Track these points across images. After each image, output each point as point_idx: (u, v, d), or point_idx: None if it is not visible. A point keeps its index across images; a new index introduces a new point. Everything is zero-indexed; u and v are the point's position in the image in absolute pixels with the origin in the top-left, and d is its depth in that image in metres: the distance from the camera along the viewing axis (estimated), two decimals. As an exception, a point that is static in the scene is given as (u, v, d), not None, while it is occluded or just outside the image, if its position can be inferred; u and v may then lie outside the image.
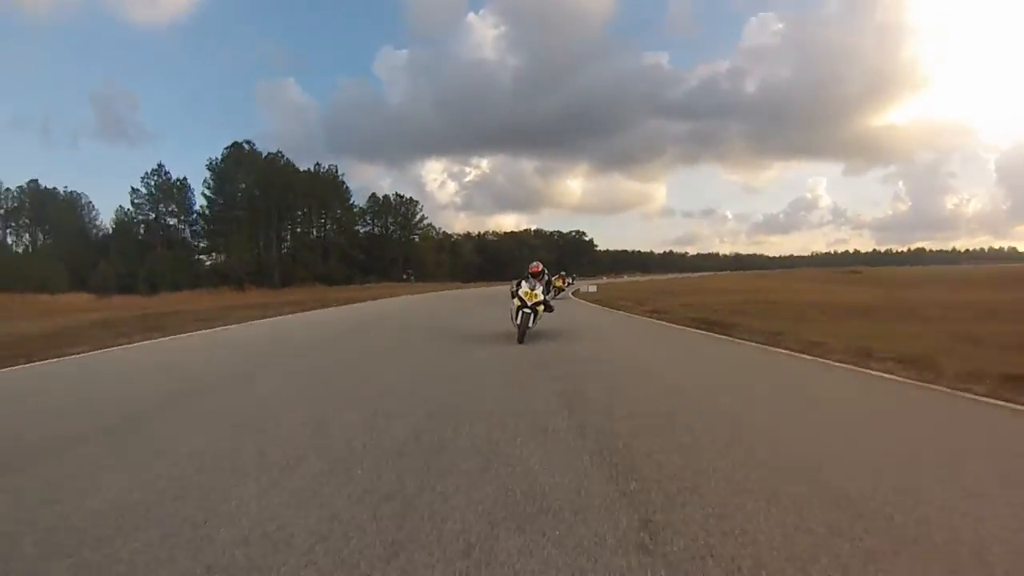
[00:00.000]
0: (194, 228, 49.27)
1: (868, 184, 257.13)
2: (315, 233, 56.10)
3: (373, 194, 67.38)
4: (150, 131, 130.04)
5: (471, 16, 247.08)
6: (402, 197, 69.22)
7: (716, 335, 8.76)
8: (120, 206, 50.66)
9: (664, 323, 11.26)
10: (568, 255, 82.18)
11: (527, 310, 9.00)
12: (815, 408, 3.98)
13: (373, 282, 50.92)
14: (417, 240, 69.26)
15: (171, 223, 48.92)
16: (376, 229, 65.51)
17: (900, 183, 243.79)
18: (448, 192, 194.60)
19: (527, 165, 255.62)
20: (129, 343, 8.34)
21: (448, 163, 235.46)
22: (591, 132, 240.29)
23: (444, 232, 79.07)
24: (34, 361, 6.44)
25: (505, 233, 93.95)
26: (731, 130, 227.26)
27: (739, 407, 3.85)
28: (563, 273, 26.21)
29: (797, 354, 6.34)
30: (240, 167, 49.21)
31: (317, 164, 59.14)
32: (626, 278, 69.59)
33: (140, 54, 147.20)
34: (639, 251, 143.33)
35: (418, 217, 70.09)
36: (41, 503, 2.20)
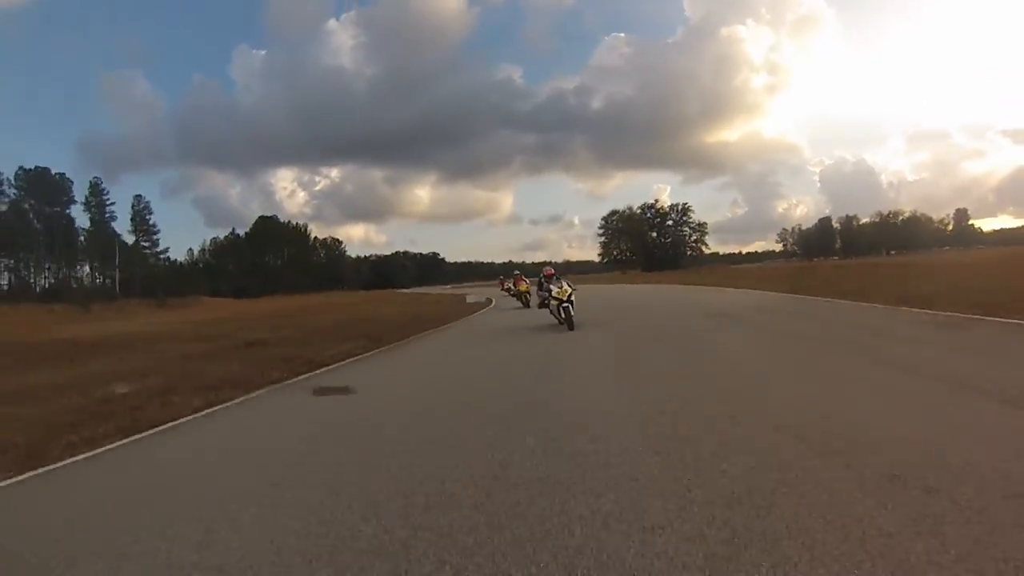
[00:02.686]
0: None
1: (705, 192, 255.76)
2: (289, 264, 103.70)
3: (315, 239, 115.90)
4: None
5: (332, 22, 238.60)
6: (338, 241, 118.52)
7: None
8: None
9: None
10: (426, 270, 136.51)
11: (566, 303, 11.64)
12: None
13: (328, 290, 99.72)
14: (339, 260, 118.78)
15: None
16: (319, 259, 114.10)
17: (734, 191, 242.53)
18: (298, 202, 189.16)
19: (376, 174, 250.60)
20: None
21: (299, 172, 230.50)
22: (441, 142, 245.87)
23: (355, 256, 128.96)
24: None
25: (387, 255, 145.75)
26: (577, 142, 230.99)
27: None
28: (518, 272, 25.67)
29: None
30: (267, 231, 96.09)
31: (301, 225, 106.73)
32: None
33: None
34: (481, 262, 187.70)
35: (338, 251, 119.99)
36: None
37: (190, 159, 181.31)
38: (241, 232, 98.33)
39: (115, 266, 72.49)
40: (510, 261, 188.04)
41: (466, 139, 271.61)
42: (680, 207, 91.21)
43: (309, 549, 2.55)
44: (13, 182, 67.08)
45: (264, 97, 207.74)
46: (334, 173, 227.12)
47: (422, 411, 5.59)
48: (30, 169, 68.18)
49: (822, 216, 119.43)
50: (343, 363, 9.63)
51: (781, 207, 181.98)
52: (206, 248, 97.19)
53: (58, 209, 71.21)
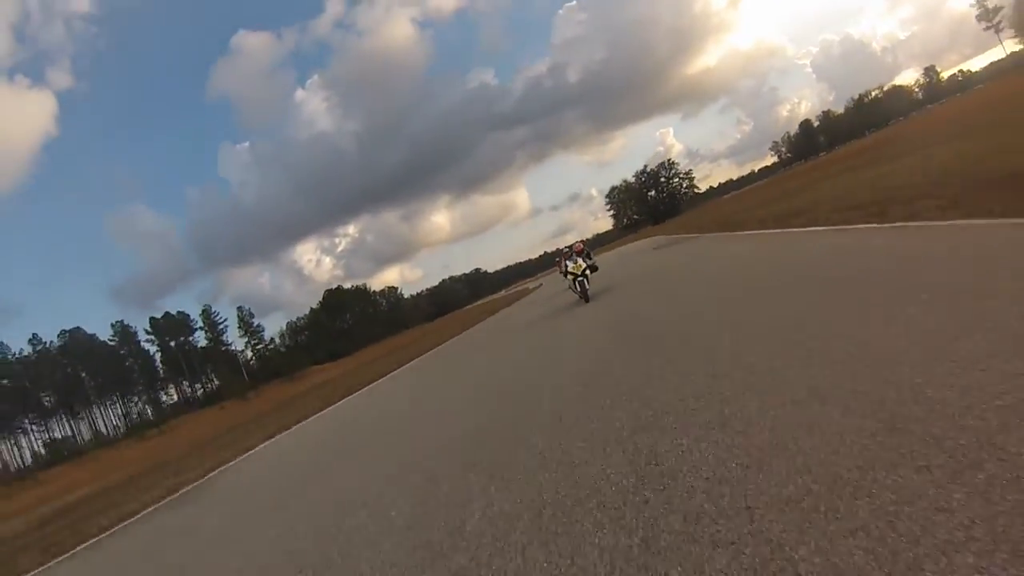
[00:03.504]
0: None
1: (708, 122, 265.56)
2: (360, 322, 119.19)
3: (374, 292, 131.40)
4: (12, 306, 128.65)
5: (299, 92, 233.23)
6: (394, 288, 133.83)
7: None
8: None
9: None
10: (474, 286, 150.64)
11: (580, 278, 12.67)
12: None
13: (398, 332, 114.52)
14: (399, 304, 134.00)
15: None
16: (382, 309, 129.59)
17: (735, 111, 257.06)
18: (325, 268, 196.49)
19: (391, 217, 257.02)
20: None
21: (318, 240, 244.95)
22: (440, 166, 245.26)
23: (409, 295, 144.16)
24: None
25: (436, 285, 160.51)
26: (568, 119, 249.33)
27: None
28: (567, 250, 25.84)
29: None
30: (335, 300, 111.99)
31: (361, 285, 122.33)
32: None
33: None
34: (520, 262, 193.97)
35: (395, 298, 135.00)
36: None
37: (214, 265, 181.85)
38: (313, 305, 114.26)
39: (239, 365, 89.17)
40: (544, 253, 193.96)
41: (462, 155, 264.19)
42: (667, 163, 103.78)
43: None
44: (149, 330, 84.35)
45: (261, 184, 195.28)
46: (351, 229, 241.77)
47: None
48: (159, 317, 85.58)
49: (828, 106, 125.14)
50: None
51: (784, 111, 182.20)
52: (284, 333, 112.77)
53: (183, 338, 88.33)
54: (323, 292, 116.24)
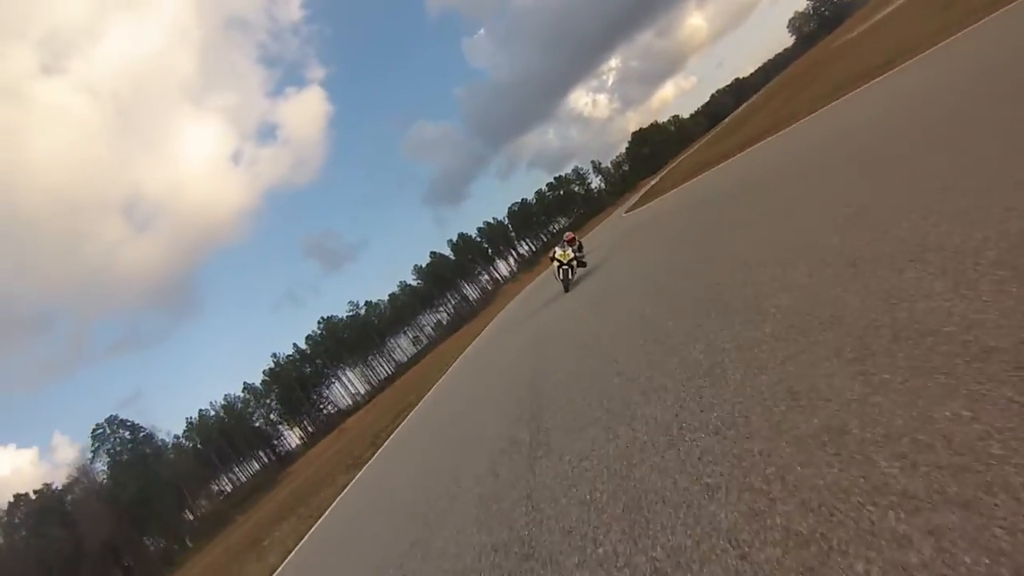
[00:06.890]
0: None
1: None
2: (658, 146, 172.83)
3: (665, 123, 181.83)
4: (355, 242, 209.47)
5: None
6: (678, 116, 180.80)
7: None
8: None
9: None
10: (737, 93, 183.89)
11: (565, 267, 12.52)
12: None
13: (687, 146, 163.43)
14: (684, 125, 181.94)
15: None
16: (673, 134, 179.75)
17: None
18: (603, 106, 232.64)
19: (646, 36, 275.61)
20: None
21: (585, 82, 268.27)
22: None
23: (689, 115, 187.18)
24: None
25: (710, 98, 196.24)
26: None
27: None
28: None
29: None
30: (644, 135, 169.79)
31: (657, 121, 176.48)
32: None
33: (309, 208, 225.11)
34: (773, 56, 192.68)
35: (679, 123, 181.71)
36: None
37: (499, 142, 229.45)
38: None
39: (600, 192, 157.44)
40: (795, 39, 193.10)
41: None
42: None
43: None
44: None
45: (514, 59, 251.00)
46: (613, 62, 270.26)
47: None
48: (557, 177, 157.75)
49: None
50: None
51: None
52: (615, 164, 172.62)
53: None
54: (630, 135, 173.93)
